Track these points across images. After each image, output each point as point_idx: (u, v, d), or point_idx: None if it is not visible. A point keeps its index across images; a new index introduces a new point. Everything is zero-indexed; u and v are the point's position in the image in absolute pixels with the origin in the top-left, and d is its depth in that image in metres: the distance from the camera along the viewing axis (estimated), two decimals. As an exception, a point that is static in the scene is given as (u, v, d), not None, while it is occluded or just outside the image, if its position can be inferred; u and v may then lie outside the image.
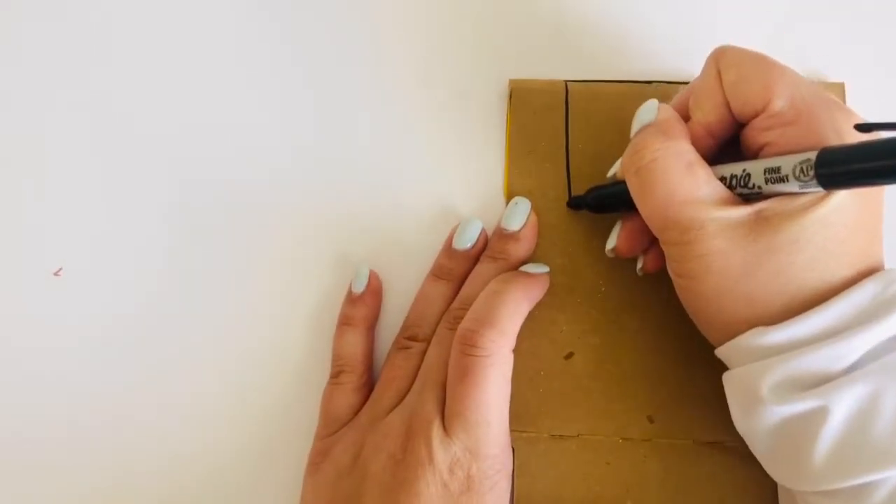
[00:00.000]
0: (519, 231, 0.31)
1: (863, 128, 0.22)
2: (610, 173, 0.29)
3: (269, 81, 0.35)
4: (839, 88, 0.32)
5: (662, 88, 0.32)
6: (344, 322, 0.32)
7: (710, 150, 0.27)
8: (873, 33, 0.33)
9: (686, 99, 0.28)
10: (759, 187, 0.24)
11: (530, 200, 0.32)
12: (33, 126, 0.35)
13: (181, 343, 0.34)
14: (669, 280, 0.27)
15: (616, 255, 0.30)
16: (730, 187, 0.25)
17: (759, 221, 0.24)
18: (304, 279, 0.34)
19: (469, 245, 0.32)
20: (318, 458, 0.30)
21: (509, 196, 0.33)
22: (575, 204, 0.32)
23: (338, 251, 0.34)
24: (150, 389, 0.33)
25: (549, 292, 0.31)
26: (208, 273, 0.34)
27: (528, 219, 0.32)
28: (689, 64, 0.33)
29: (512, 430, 0.29)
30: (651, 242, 0.30)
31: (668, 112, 0.27)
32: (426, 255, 0.33)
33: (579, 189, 0.32)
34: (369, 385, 0.32)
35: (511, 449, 0.29)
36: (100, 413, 0.33)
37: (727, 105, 0.26)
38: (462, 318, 0.29)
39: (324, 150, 0.34)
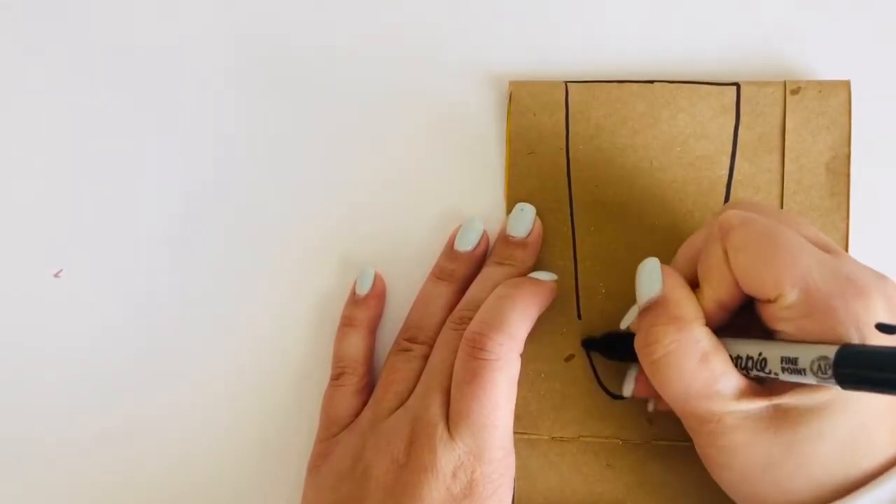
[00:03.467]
0: (526, 238, 0.31)
1: (884, 328, 0.21)
2: (623, 324, 0.28)
3: (272, 84, 0.35)
4: (845, 86, 0.32)
5: (664, 88, 0.32)
6: (346, 323, 0.32)
7: (723, 321, 0.26)
8: (878, 29, 0.33)
9: (689, 255, 0.27)
10: (776, 374, 0.23)
11: (531, 202, 0.32)
12: (34, 127, 0.35)
13: (182, 344, 0.34)
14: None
15: (633, 398, 0.30)
16: (745, 367, 0.24)
17: (779, 415, 0.23)
18: (306, 280, 0.34)
19: (470, 247, 0.32)
20: (319, 460, 0.30)
21: (510, 197, 0.33)
22: (587, 345, 0.31)
23: (338, 252, 0.34)
24: (151, 391, 0.34)
25: (551, 294, 0.31)
26: (210, 274, 0.34)
27: (533, 225, 0.31)
28: (689, 64, 0.33)
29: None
30: None
31: (676, 287, 0.25)
32: (427, 257, 0.33)
33: (579, 188, 0.32)
34: (370, 387, 0.32)
35: (514, 454, 0.29)
36: (100, 415, 0.34)
37: (737, 283, 0.24)
38: (467, 319, 0.29)
39: (325, 152, 0.34)
